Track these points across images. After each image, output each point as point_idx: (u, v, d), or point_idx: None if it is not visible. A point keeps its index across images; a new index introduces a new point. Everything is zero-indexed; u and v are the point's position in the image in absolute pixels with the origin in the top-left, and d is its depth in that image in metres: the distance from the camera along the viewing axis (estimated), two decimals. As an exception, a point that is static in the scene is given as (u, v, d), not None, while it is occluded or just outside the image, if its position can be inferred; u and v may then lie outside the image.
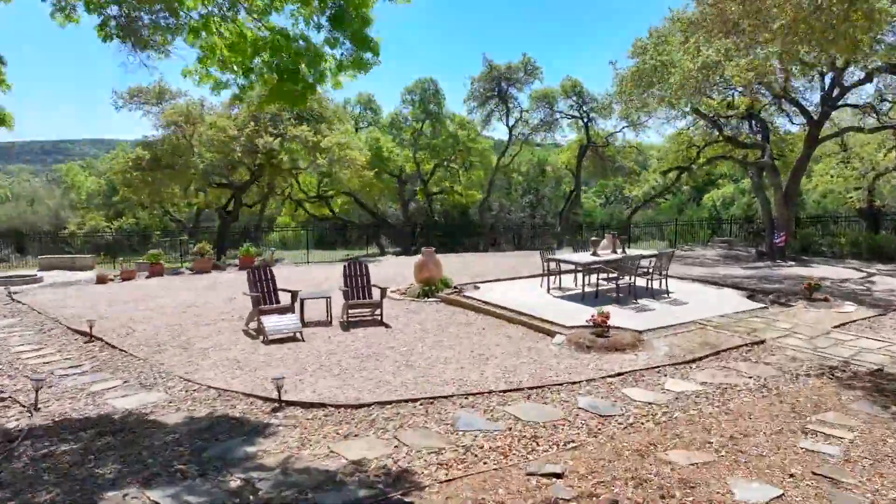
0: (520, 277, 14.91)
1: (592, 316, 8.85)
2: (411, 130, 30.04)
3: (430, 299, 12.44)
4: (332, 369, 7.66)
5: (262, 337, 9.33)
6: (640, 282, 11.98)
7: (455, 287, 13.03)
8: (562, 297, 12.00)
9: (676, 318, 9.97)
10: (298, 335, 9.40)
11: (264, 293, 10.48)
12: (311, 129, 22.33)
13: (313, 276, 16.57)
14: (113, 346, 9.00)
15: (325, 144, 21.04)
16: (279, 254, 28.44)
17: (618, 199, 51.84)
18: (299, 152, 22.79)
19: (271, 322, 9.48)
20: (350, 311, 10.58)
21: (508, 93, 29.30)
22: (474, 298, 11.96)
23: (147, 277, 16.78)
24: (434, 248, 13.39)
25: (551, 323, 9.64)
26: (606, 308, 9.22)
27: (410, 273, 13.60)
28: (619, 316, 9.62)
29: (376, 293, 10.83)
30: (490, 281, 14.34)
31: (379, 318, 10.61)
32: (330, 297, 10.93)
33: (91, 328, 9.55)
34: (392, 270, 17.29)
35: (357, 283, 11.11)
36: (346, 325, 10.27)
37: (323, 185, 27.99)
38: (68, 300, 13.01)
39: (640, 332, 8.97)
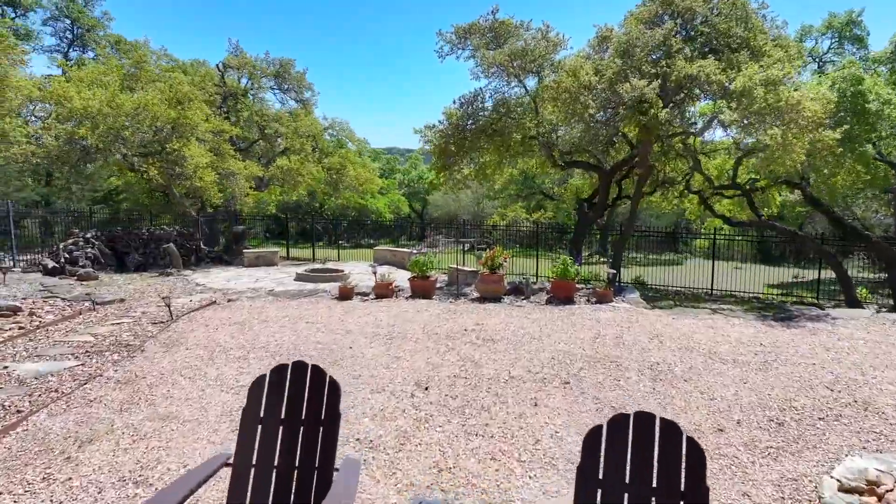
0: None
1: None
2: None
3: None
4: None
5: None
6: None
7: None
8: None
9: None
10: None
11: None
12: (723, 62, 12.80)
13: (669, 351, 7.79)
14: None
15: (737, 85, 11.32)
16: (654, 273, 19.33)
17: None
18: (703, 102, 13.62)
19: None
20: None
21: None
22: None
23: (408, 297, 11.00)
24: None
25: None
26: None
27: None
28: None
29: None
30: None
31: None
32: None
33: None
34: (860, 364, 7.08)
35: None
36: None
37: (748, 170, 17.58)
38: (191, 335, 8.10)
39: None
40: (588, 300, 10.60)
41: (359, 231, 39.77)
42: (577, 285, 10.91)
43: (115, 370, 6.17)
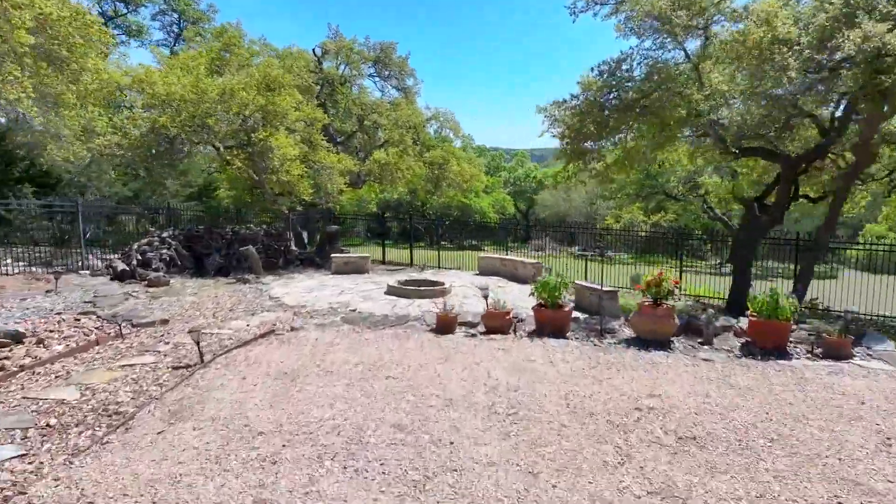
0: None
1: None
2: None
3: None
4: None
5: None
6: None
7: None
8: None
9: None
10: None
11: None
12: None
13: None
14: None
15: None
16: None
17: None
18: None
19: None
20: None
21: None
22: None
23: (531, 333, 7.86)
24: None
25: None
26: None
27: None
28: None
29: None
30: None
31: None
32: None
33: None
34: None
35: None
36: None
37: None
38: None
39: None
40: (810, 352, 6.93)
41: (461, 232, 37.15)
42: (791, 326, 7.21)
43: (56, 480, 3.63)
